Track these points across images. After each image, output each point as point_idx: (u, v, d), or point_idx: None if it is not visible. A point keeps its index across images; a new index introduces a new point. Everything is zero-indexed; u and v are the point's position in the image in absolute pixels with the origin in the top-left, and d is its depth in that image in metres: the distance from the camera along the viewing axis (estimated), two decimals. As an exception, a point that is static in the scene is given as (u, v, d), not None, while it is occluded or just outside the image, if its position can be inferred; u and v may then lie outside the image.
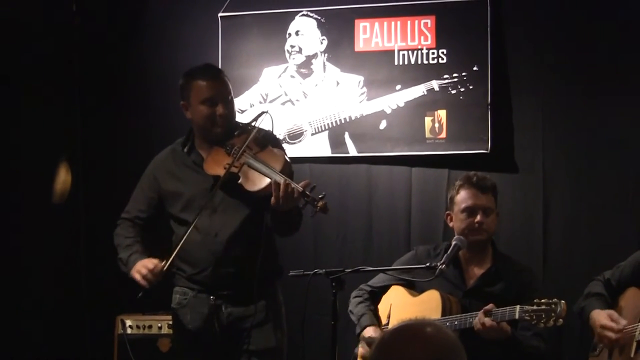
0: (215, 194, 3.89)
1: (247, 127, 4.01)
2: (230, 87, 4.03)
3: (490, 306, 3.93)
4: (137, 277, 3.85)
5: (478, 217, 4.21)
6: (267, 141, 4.00)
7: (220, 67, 5.42)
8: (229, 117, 3.98)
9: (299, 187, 3.70)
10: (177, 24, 5.74)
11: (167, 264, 3.83)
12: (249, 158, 3.87)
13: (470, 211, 4.23)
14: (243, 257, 3.93)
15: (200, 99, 3.94)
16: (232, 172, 3.84)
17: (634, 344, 3.81)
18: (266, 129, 4.06)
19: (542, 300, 3.80)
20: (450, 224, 4.36)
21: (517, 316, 3.85)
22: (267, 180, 3.78)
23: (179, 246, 3.84)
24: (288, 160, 3.92)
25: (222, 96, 3.95)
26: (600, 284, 4.14)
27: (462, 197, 4.27)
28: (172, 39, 5.73)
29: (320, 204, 3.66)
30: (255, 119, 4.01)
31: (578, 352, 4.71)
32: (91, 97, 5.75)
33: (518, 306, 3.85)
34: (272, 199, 3.72)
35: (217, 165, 3.91)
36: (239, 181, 3.84)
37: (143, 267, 3.84)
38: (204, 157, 4.00)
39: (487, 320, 3.89)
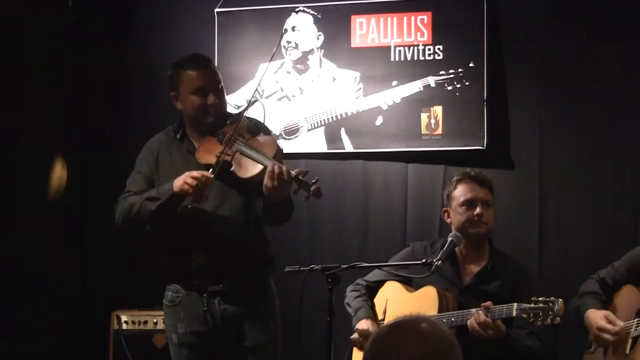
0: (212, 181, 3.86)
1: (238, 116, 4.01)
2: (220, 75, 4.01)
3: (488, 303, 3.93)
4: (185, 186, 3.76)
5: (478, 210, 4.21)
6: (259, 129, 3.99)
7: (216, 62, 5.42)
8: (220, 106, 3.97)
9: (292, 171, 3.69)
10: (173, 20, 5.73)
11: (216, 171, 3.78)
12: (240, 145, 3.85)
13: (469, 204, 4.24)
14: (234, 246, 3.93)
15: (191, 90, 3.93)
16: (224, 159, 3.83)
17: (629, 341, 3.82)
18: (257, 119, 4.06)
19: (540, 299, 3.80)
20: (448, 221, 4.36)
21: (514, 314, 3.84)
22: (259, 167, 3.77)
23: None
24: (280, 146, 3.91)
25: (213, 85, 3.94)
26: (595, 282, 4.14)
27: (461, 191, 4.28)
28: (168, 34, 5.71)
29: (313, 188, 3.66)
30: (247, 108, 4.00)
31: (573, 350, 4.71)
32: (87, 93, 5.74)
33: (515, 304, 3.84)
34: (265, 185, 3.70)
35: (209, 154, 3.89)
36: (232, 169, 3.83)
37: (189, 177, 3.77)
38: (196, 146, 3.99)
39: (482, 316, 3.89)
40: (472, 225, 4.22)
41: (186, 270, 3.99)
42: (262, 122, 4.07)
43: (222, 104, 4.00)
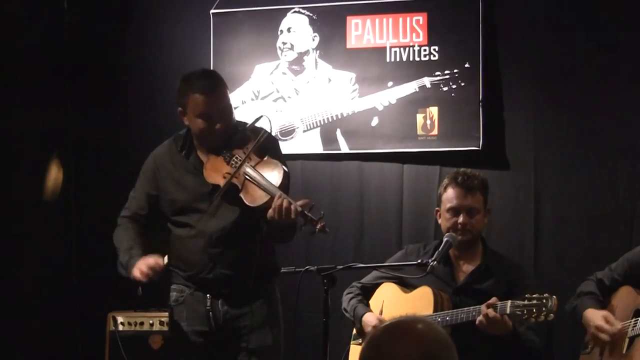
0: (214, 200, 3.88)
1: (246, 133, 3.96)
2: (228, 95, 3.96)
3: (493, 299, 3.93)
4: (137, 274, 3.81)
5: (460, 219, 4.23)
6: (266, 149, 3.95)
7: (212, 64, 5.44)
8: (225, 130, 3.91)
9: (298, 206, 3.67)
10: (168, 21, 5.73)
11: (169, 261, 3.84)
12: (248, 169, 3.84)
13: (454, 211, 4.26)
14: (239, 259, 3.92)
15: (197, 113, 3.87)
16: (232, 183, 3.83)
17: (626, 341, 3.82)
18: (265, 128, 4.02)
19: (534, 295, 3.82)
20: (439, 221, 4.37)
21: (508, 311, 3.86)
22: (266, 196, 3.76)
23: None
24: (286, 170, 3.88)
25: (219, 111, 3.88)
26: (593, 283, 4.15)
27: (448, 197, 4.29)
28: (163, 35, 5.71)
29: (319, 225, 3.65)
30: (254, 123, 3.98)
31: (569, 350, 4.72)
32: (82, 95, 5.74)
33: (509, 301, 3.86)
34: (270, 216, 3.70)
35: (216, 174, 3.89)
36: (239, 194, 3.83)
37: (144, 264, 3.81)
38: (203, 162, 3.98)
39: (491, 312, 3.89)
40: (455, 232, 4.23)
41: (190, 279, 4.00)
42: (270, 132, 4.03)
43: (228, 127, 3.93)
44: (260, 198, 3.78)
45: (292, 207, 3.67)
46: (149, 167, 4.13)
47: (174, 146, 4.08)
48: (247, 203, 3.82)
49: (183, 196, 3.99)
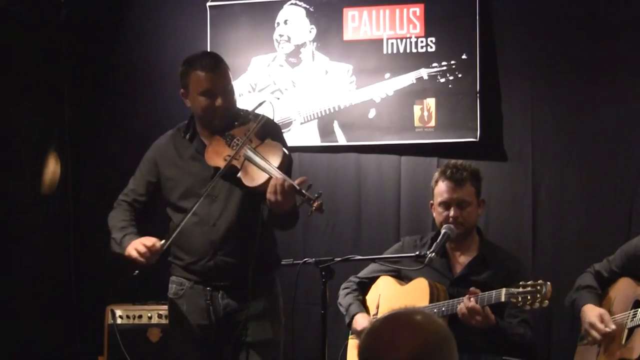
0: (214, 184, 3.87)
1: (248, 117, 3.98)
2: (230, 76, 3.99)
3: (475, 289, 3.94)
4: (134, 254, 3.81)
5: (451, 212, 4.23)
6: (267, 132, 3.96)
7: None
8: (227, 109, 3.94)
9: (295, 185, 3.67)
10: (165, 14, 5.72)
11: (167, 243, 3.82)
12: (248, 151, 3.85)
13: (445, 205, 4.26)
14: (240, 247, 3.92)
15: (199, 91, 3.90)
16: (232, 164, 3.83)
17: (625, 332, 3.83)
18: (267, 115, 4.03)
19: (528, 283, 3.82)
20: (434, 214, 4.37)
21: (503, 299, 3.86)
22: (265, 176, 3.76)
23: (178, 228, 3.83)
24: (287, 152, 3.89)
25: (221, 88, 3.91)
26: (591, 276, 4.15)
27: (439, 191, 4.30)
28: (160, 28, 5.71)
29: (316, 204, 3.64)
30: (256, 108, 3.99)
31: (568, 341, 4.73)
32: (79, 88, 5.73)
33: (504, 289, 3.87)
34: (268, 198, 3.70)
35: (217, 157, 3.90)
36: (238, 175, 3.83)
37: (140, 244, 3.81)
38: (206, 144, 3.99)
39: (472, 303, 3.89)
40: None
41: (190, 270, 4.00)
42: (272, 119, 4.05)
43: (230, 105, 3.96)
44: (260, 178, 3.79)
45: (288, 183, 3.67)
46: (150, 155, 4.14)
47: (177, 133, 4.10)
48: (247, 184, 3.82)
49: (186, 181, 3.99)
